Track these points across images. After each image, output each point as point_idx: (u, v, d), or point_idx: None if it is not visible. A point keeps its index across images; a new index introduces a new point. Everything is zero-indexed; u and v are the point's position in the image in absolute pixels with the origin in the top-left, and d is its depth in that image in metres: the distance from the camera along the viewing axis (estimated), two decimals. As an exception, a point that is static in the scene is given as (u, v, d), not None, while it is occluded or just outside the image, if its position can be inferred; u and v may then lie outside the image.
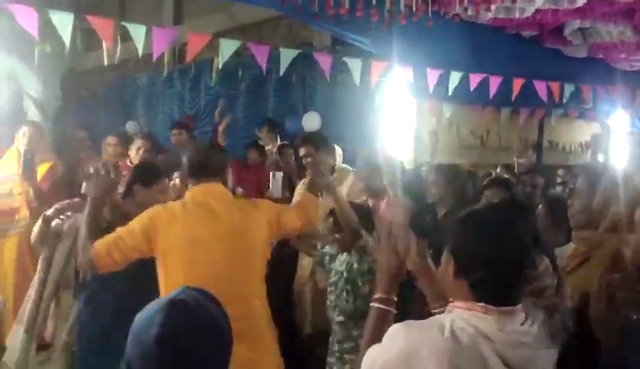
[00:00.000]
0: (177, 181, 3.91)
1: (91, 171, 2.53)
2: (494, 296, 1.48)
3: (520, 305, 1.51)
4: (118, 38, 3.89)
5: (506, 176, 4.92)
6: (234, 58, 4.57)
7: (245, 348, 2.25)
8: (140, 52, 3.92)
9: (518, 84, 5.68)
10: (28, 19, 3.44)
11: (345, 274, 2.93)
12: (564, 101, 6.36)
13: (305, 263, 3.99)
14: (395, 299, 1.72)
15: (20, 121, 5.56)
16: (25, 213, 4.53)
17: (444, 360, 1.38)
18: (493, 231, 1.50)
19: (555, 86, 6.03)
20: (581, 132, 9.35)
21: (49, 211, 3.24)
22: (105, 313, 2.86)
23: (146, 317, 1.26)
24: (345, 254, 3.02)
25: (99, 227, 2.52)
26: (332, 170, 4.15)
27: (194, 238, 2.39)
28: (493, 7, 5.04)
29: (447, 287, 1.59)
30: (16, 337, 3.34)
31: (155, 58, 4.02)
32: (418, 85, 5.27)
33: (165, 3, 9.72)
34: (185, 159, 2.66)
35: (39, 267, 3.39)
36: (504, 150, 7.96)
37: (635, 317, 1.92)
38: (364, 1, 4.28)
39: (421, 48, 5.07)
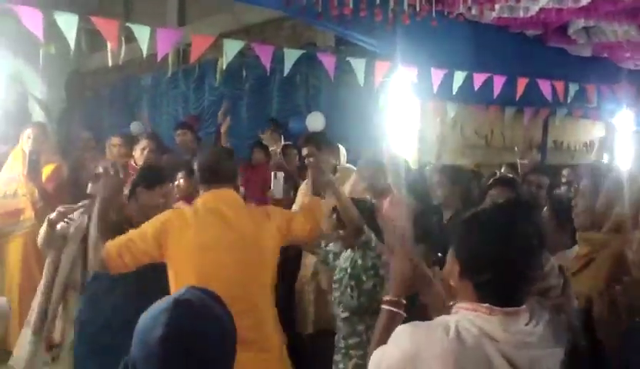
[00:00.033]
0: (181, 181, 3.91)
1: (101, 170, 2.52)
2: (499, 297, 1.48)
3: (525, 306, 1.51)
4: (123, 39, 3.91)
5: (511, 176, 4.91)
6: (238, 58, 4.58)
7: (254, 357, 2.26)
8: (144, 53, 3.93)
9: (522, 83, 5.67)
10: (33, 21, 3.45)
11: (349, 270, 2.94)
12: (568, 101, 6.34)
13: (307, 262, 3.99)
14: (404, 302, 1.73)
15: (25, 122, 5.58)
16: (30, 214, 4.54)
17: (449, 361, 1.39)
18: (497, 232, 1.50)
19: (559, 85, 6.02)
20: (585, 131, 9.34)
21: (53, 215, 3.25)
22: (105, 313, 2.86)
23: (151, 317, 1.26)
24: (348, 250, 3.03)
25: (109, 228, 2.52)
26: (334, 170, 4.15)
27: (205, 245, 2.38)
28: (497, 6, 5.04)
29: (452, 288, 1.60)
30: (24, 339, 3.35)
31: (159, 59, 4.03)
32: (422, 85, 5.26)
33: (169, 4, 9.74)
34: (195, 164, 2.64)
35: (46, 269, 3.40)
36: (508, 149, 7.94)
37: (638, 319, 1.92)
38: (367, 1, 4.28)
39: (425, 47, 5.07)
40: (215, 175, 2.55)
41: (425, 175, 5.11)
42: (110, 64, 4.12)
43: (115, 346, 2.71)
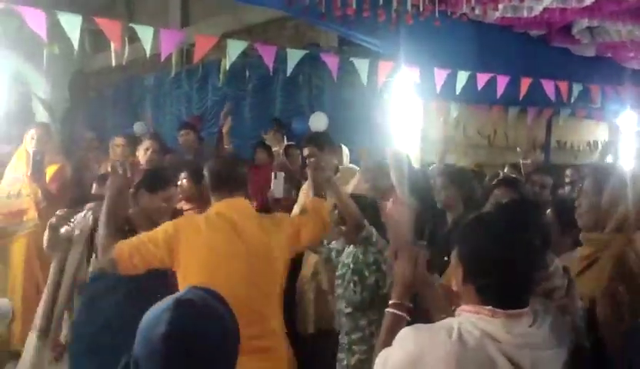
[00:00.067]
0: (184, 181, 3.91)
1: (109, 169, 2.52)
2: (502, 299, 1.49)
3: (528, 307, 1.51)
4: (126, 39, 3.91)
5: (514, 176, 4.90)
6: (241, 58, 4.58)
7: (260, 366, 2.27)
8: (148, 53, 3.94)
9: (525, 83, 5.66)
10: (36, 21, 3.46)
11: (351, 266, 2.96)
12: (572, 101, 6.33)
13: (308, 262, 3.99)
14: (408, 305, 1.75)
15: (28, 122, 5.59)
16: (33, 214, 4.55)
17: (451, 363, 1.40)
18: (500, 236, 1.51)
19: (562, 85, 6.01)
20: (589, 132, 9.33)
21: (53, 219, 3.26)
22: (105, 314, 2.86)
23: (153, 316, 1.26)
24: (351, 246, 3.04)
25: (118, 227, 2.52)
26: (336, 170, 4.14)
27: (214, 253, 2.38)
28: (501, 6, 5.03)
29: (452, 295, 1.61)
30: (30, 343, 3.36)
31: (162, 59, 4.04)
32: (425, 85, 5.26)
33: (172, 5, 9.75)
34: (207, 171, 2.62)
35: (51, 272, 3.41)
36: (511, 149, 7.94)
37: None
38: (371, 1, 4.27)
39: (428, 47, 5.06)
40: (228, 183, 2.55)
41: (428, 175, 5.11)
42: (113, 64, 4.13)
43: (115, 346, 2.73)
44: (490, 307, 1.48)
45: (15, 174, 4.65)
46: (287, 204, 4.20)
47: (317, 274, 3.88)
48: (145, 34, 3.89)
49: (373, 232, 2.92)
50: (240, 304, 2.26)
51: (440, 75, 5.11)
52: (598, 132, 9.41)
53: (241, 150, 6.18)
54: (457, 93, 5.31)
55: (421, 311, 1.84)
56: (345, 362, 2.91)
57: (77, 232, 3.21)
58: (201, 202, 3.79)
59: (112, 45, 3.83)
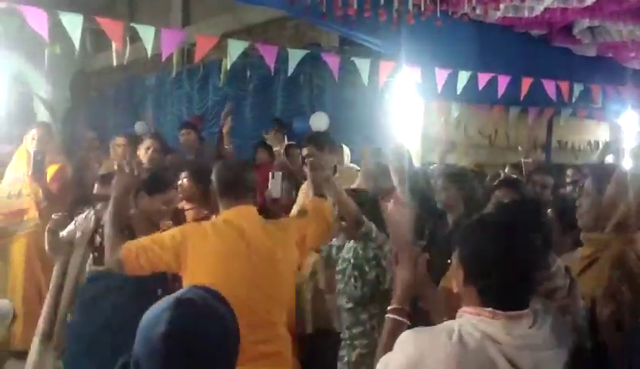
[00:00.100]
0: (184, 181, 3.91)
1: (115, 168, 2.51)
2: (502, 301, 1.49)
3: (528, 309, 1.52)
4: (127, 39, 3.91)
5: (515, 176, 4.90)
6: (242, 58, 4.59)
7: None
8: (149, 53, 3.94)
9: (526, 83, 5.66)
10: (38, 21, 3.46)
11: (352, 261, 2.97)
12: (573, 101, 6.32)
13: (306, 261, 3.99)
14: (409, 310, 1.75)
15: (29, 121, 5.60)
16: (33, 214, 4.55)
17: (452, 365, 1.40)
18: (500, 238, 1.52)
19: (564, 85, 6.01)
20: (590, 131, 9.32)
21: (50, 223, 3.26)
22: (102, 315, 2.86)
23: (153, 315, 1.26)
24: (351, 241, 3.04)
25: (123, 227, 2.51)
26: (335, 169, 4.14)
27: (223, 261, 2.37)
28: (502, 6, 5.04)
29: (451, 299, 1.61)
30: (34, 347, 3.38)
31: (163, 59, 4.04)
32: (426, 85, 5.26)
33: (173, 5, 9.75)
34: (215, 176, 2.60)
35: (54, 274, 3.43)
36: (512, 149, 7.93)
37: None
38: (372, 1, 4.27)
39: (429, 47, 5.06)
40: (236, 189, 2.53)
41: (428, 175, 5.11)
42: (115, 64, 4.13)
43: (114, 346, 2.73)
44: (490, 309, 1.48)
45: (16, 174, 4.65)
46: (286, 204, 4.20)
47: (315, 273, 3.88)
48: (146, 33, 3.89)
49: (372, 228, 2.93)
50: (247, 310, 2.26)
51: (441, 75, 5.12)
52: (599, 132, 9.40)
53: (242, 150, 6.19)
54: (458, 93, 5.31)
55: (420, 315, 1.84)
56: (346, 358, 2.91)
57: (79, 234, 3.21)
58: (201, 202, 3.78)
59: (113, 45, 3.84)
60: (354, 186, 4.03)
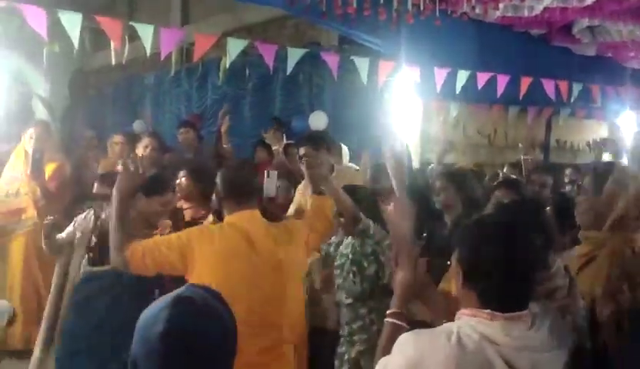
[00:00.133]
0: (183, 179, 3.90)
1: (120, 166, 2.49)
2: (501, 303, 1.49)
3: (527, 310, 1.52)
4: (126, 38, 3.91)
5: (515, 177, 4.90)
6: (241, 57, 4.58)
7: None
8: (148, 52, 3.93)
9: (525, 82, 5.66)
10: (37, 19, 3.46)
11: (350, 256, 2.98)
12: (572, 100, 6.33)
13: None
14: (407, 313, 1.75)
15: (28, 120, 5.58)
16: (32, 213, 4.54)
17: (450, 366, 1.41)
18: (499, 240, 1.52)
19: (563, 85, 6.01)
20: (589, 131, 9.33)
21: (43, 230, 3.26)
22: (93, 316, 2.86)
23: (152, 313, 1.25)
24: (349, 237, 3.05)
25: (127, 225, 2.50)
26: (332, 169, 4.14)
27: (229, 266, 2.37)
28: (501, 5, 5.03)
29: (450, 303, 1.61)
30: (36, 349, 3.38)
31: (162, 58, 4.04)
32: (425, 84, 5.25)
33: (173, 4, 9.75)
34: (220, 181, 2.58)
35: (55, 274, 3.43)
36: (511, 149, 7.94)
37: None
38: (371, 0, 4.27)
39: (428, 46, 5.06)
40: (242, 193, 2.52)
41: (427, 176, 5.11)
42: (113, 62, 4.12)
43: (108, 347, 2.74)
44: (489, 311, 1.48)
45: (14, 173, 4.64)
46: (283, 203, 4.20)
47: (310, 273, 3.88)
48: (145, 32, 3.89)
49: (370, 224, 2.94)
50: (253, 314, 2.27)
51: (440, 74, 5.12)
52: (599, 132, 9.41)
53: (241, 149, 6.18)
54: (457, 92, 5.31)
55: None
56: (346, 356, 2.91)
57: (78, 235, 3.19)
58: (200, 201, 3.78)
59: (112, 44, 3.83)
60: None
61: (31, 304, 4.53)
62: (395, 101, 5.83)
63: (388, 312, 1.76)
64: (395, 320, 1.73)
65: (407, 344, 1.49)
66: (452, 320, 1.57)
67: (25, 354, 4.44)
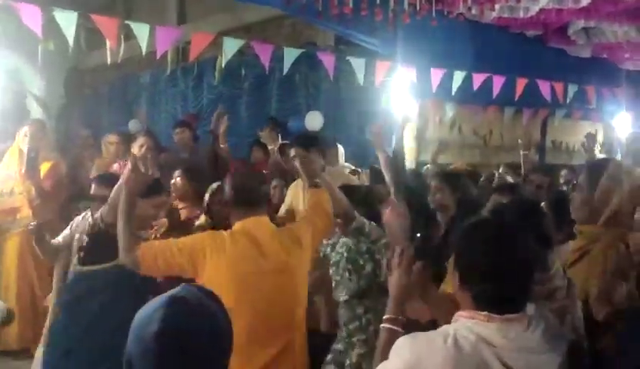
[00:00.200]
0: (178, 179, 3.90)
1: (129, 165, 2.48)
2: (497, 305, 1.50)
3: (524, 311, 1.52)
4: (122, 36, 3.90)
5: (512, 180, 4.91)
6: (237, 57, 4.57)
7: None
8: (143, 51, 3.92)
9: (521, 83, 5.67)
10: (32, 18, 3.44)
11: (345, 254, 3.00)
12: (567, 101, 6.34)
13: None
14: (403, 319, 1.75)
15: (23, 119, 5.57)
16: (27, 212, 4.52)
17: (447, 368, 1.41)
18: (495, 243, 1.53)
19: (558, 86, 6.02)
20: (584, 132, 9.34)
21: (30, 232, 3.24)
22: (84, 317, 2.85)
23: (146, 313, 1.26)
24: (344, 237, 3.06)
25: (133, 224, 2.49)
26: (323, 169, 4.15)
27: (240, 273, 2.37)
28: (497, 6, 5.04)
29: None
30: (38, 352, 3.37)
31: (158, 57, 4.02)
32: (421, 85, 5.26)
33: (169, 2, 9.73)
34: (230, 187, 2.58)
35: (55, 278, 3.42)
36: (507, 150, 7.95)
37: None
38: (368, 0, 4.27)
39: (424, 47, 5.07)
40: (251, 200, 2.53)
41: (422, 176, 5.11)
42: (109, 61, 4.10)
43: (99, 347, 2.74)
44: (486, 312, 1.49)
45: (8, 172, 4.62)
46: (278, 204, 4.21)
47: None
48: (141, 31, 3.88)
49: (365, 222, 2.94)
50: (263, 322, 2.31)
51: (436, 75, 5.12)
52: (595, 132, 9.43)
53: (238, 148, 6.17)
54: (453, 93, 5.32)
55: (411, 323, 1.84)
56: (348, 361, 2.92)
57: (77, 236, 3.18)
58: (194, 201, 3.78)
59: (108, 43, 3.82)
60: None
61: (26, 304, 4.52)
62: (391, 101, 5.83)
63: (384, 317, 1.77)
64: (391, 326, 1.74)
65: (404, 347, 1.50)
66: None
67: (20, 353, 4.45)
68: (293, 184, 4.05)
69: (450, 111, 6.78)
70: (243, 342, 2.23)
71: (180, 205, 3.85)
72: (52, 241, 3.30)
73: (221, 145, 5.14)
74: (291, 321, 2.47)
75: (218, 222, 3.32)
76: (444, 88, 5.27)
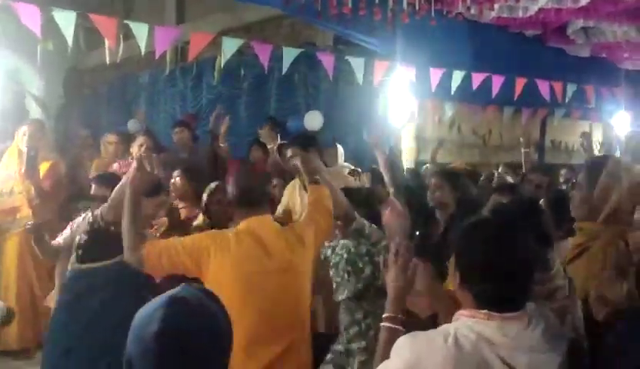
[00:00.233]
0: (177, 179, 3.90)
1: (135, 164, 2.48)
2: (498, 304, 1.50)
3: (524, 310, 1.53)
4: (121, 36, 3.89)
5: (513, 182, 4.92)
6: (236, 56, 4.57)
7: None
8: (142, 51, 3.92)
9: (520, 83, 5.67)
10: (31, 17, 3.44)
11: (345, 256, 2.99)
12: (566, 101, 6.35)
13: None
14: (403, 318, 1.75)
15: (22, 119, 5.56)
16: (26, 212, 4.52)
17: (448, 368, 1.42)
18: (494, 243, 1.53)
19: (557, 85, 6.03)
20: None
21: (28, 231, 3.24)
22: (83, 315, 2.85)
23: (146, 313, 1.25)
24: (344, 239, 3.06)
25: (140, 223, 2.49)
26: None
27: (245, 272, 2.38)
28: (496, 6, 5.04)
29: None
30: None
31: (157, 57, 4.02)
32: (420, 84, 5.26)
33: (168, 2, 9.72)
34: (234, 188, 2.59)
35: (57, 279, 3.42)
36: (506, 149, 7.95)
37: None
38: (367, 0, 4.27)
39: (423, 47, 5.07)
40: (256, 200, 2.54)
41: (421, 176, 5.12)
42: (108, 61, 4.10)
43: (98, 345, 2.74)
44: (486, 311, 1.49)
45: (7, 172, 4.62)
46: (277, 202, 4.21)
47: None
48: (140, 31, 3.88)
49: (365, 224, 2.94)
50: (268, 321, 2.31)
51: (435, 75, 5.12)
52: (594, 132, 9.45)
53: (237, 148, 6.17)
54: (452, 92, 5.32)
55: (413, 323, 1.84)
56: None
57: (78, 237, 3.17)
58: (194, 200, 3.78)
59: (107, 42, 3.82)
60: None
61: (26, 304, 4.52)
62: (391, 100, 5.83)
63: (383, 316, 1.77)
64: (390, 325, 1.74)
65: (404, 346, 1.50)
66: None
67: (20, 353, 4.45)
68: (290, 185, 4.05)
69: (449, 111, 6.79)
70: (248, 341, 2.25)
71: (180, 205, 3.85)
72: (53, 241, 3.29)
73: (221, 145, 5.15)
74: (296, 320, 2.47)
75: (217, 222, 3.33)
76: (443, 88, 5.27)
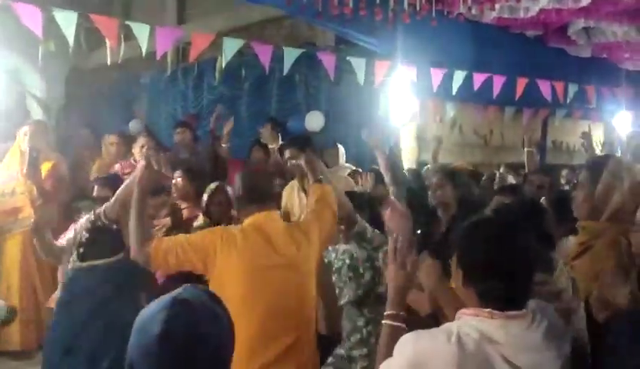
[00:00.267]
0: (179, 179, 3.90)
1: (142, 163, 2.49)
2: (501, 302, 1.50)
3: (527, 309, 1.53)
4: (122, 37, 3.90)
5: (516, 183, 4.91)
6: (237, 57, 4.57)
7: None
8: (144, 51, 3.92)
9: (521, 83, 5.67)
10: (32, 18, 3.44)
11: (347, 261, 3.00)
12: (567, 101, 6.34)
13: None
14: (404, 315, 1.75)
15: (23, 119, 5.56)
16: (28, 212, 4.52)
17: (450, 366, 1.42)
18: (497, 241, 1.53)
19: (558, 86, 6.02)
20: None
21: (31, 232, 3.24)
22: (83, 314, 2.86)
23: (149, 315, 1.25)
24: (347, 243, 3.06)
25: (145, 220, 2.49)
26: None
27: (252, 268, 2.38)
28: (497, 6, 5.04)
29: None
30: None
31: (158, 57, 4.02)
32: (421, 84, 5.26)
33: (169, 3, 9.72)
34: (241, 185, 2.60)
35: (60, 279, 3.42)
36: (507, 149, 7.95)
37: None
38: (367, 0, 4.27)
39: (424, 47, 5.06)
40: (262, 197, 2.55)
41: (422, 176, 5.11)
42: (109, 62, 4.10)
43: (98, 345, 2.74)
44: (489, 310, 1.50)
45: (9, 172, 4.62)
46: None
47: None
48: (141, 31, 3.88)
49: (367, 227, 2.93)
50: (274, 315, 2.31)
51: (436, 75, 5.12)
52: (595, 132, 9.45)
53: (239, 148, 6.17)
54: (453, 93, 5.31)
55: (414, 320, 1.84)
56: None
57: (79, 236, 3.17)
58: (195, 201, 3.78)
59: (108, 43, 3.82)
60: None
61: (29, 304, 4.53)
62: (392, 100, 5.83)
63: (384, 314, 1.76)
64: (392, 322, 1.73)
65: (407, 345, 1.50)
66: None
67: (21, 354, 4.45)
68: (288, 186, 4.06)
69: (450, 111, 6.79)
70: (253, 336, 2.26)
71: (182, 205, 3.85)
72: (56, 243, 3.30)
73: (223, 145, 5.15)
74: (301, 317, 2.47)
75: (217, 223, 3.33)
76: (444, 88, 5.27)
